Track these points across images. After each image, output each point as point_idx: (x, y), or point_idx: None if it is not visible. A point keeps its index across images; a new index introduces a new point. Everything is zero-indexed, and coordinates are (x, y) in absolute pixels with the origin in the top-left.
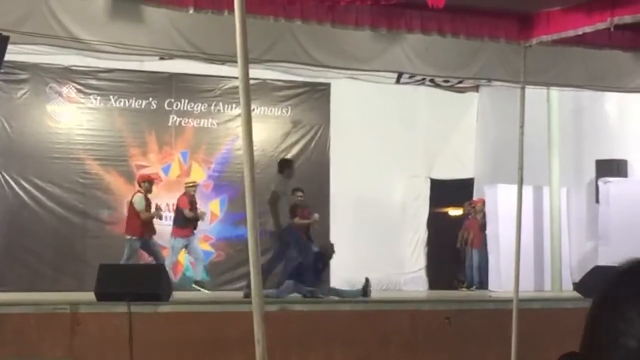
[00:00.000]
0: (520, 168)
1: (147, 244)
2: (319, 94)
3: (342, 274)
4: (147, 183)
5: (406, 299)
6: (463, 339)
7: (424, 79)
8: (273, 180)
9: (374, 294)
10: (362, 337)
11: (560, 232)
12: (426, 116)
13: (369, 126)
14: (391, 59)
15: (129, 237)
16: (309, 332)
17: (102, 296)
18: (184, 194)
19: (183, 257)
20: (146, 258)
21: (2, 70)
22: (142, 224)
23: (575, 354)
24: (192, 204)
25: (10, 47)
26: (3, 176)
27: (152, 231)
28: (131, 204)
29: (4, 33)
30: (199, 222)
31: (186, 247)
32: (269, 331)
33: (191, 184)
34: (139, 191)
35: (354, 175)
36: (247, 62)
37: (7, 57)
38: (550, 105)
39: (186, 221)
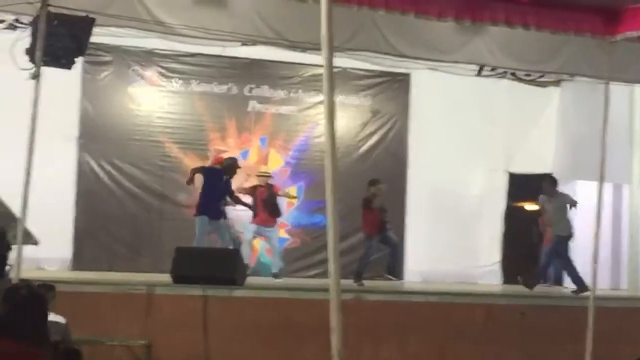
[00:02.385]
0: (602, 165)
1: (216, 226)
2: (399, 84)
3: (418, 266)
4: (219, 165)
5: (481, 293)
6: (537, 335)
7: (505, 72)
8: (350, 169)
9: (449, 287)
10: (435, 329)
11: (638, 231)
12: (506, 109)
13: (448, 118)
14: (473, 51)
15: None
16: (383, 322)
17: (177, 278)
18: (253, 185)
19: (258, 244)
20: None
21: (86, 52)
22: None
23: None
24: (258, 197)
25: (94, 29)
26: (84, 157)
27: (221, 213)
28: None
29: (90, 15)
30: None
31: (262, 235)
32: (343, 320)
33: (263, 174)
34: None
35: (432, 167)
36: (331, 50)
37: (92, 39)
38: (633, 101)
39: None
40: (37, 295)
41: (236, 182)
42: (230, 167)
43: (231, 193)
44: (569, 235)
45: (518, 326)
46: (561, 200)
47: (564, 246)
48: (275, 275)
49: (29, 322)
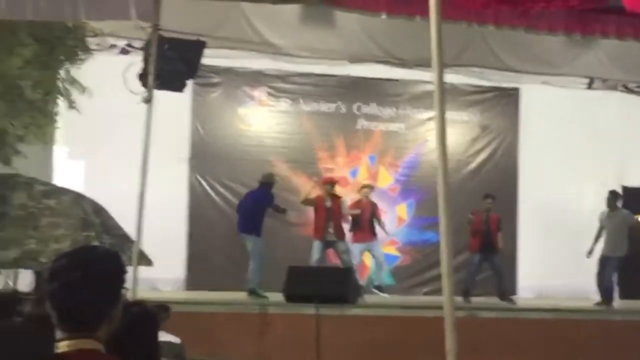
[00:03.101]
0: None
1: (334, 246)
2: (508, 99)
3: (530, 281)
4: (329, 186)
5: (596, 309)
6: None
7: (616, 84)
8: (460, 186)
9: (563, 302)
10: (551, 346)
11: None
12: (618, 122)
13: (558, 132)
14: (584, 63)
15: (315, 239)
16: (496, 340)
17: (290, 297)
18: (357, 201)
19: (369, 260)
20: (333, 260)
21: (197, 75)
22: (320, 226)
23: None
24: (362, 212)
25: (205, 51)
26: (196, 177)
27: (340, 234)
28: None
29: (201, 38)
30: (388, 227)
31: (368, 251)
32: (458, 337)
33: (365, 186)
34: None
35: (543, 182)
36: (442, 67)
37: (202, 60)
38: None
39: (357, 225)
40: (149, 313)
41: (336, 202)
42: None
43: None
44: (621, 257)
45: (637, 344)
46: (620, 218)
47: (612, 268)
48: (378, 288)
49: (140, 341)
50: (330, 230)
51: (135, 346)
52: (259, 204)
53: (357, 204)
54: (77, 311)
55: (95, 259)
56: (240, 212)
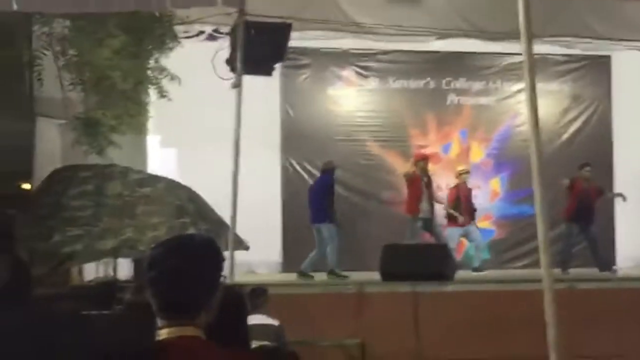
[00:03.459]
0: None
1: (428, 223)
2: (599, 67)
3: (630, 251)
4: (422, 162)
5: None
6: None
7: None
8: (553, 157)
9: None
10: None
11: None
12: None
13: None
14: None
15: (410, 217)
16: (597, 312)
17: (387, 276)
18: (455, 186)
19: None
20: (428, 238)
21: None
22: (415, 203)
23: None
24: (462, 197)
25: (291, 33)
26: (287, 160)
27: (430, 211)
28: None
29: (287, 21)
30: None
31: (464, 236)
32: (557, 311)
33: (463, 171)
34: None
35: (639, 150)
36: (531, 38)
37: (289, 43)
38: None
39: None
40: (236, 296)
41: (436, 179)
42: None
43: None
44: None
45: None
46: None
47: None
48: (476, 270)
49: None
50: (425, 207)
51: (224, 329)
52: (324, 191)
53: (455, 189)
54: (177, 299)
55: (194, 247)
56: (310, 203)
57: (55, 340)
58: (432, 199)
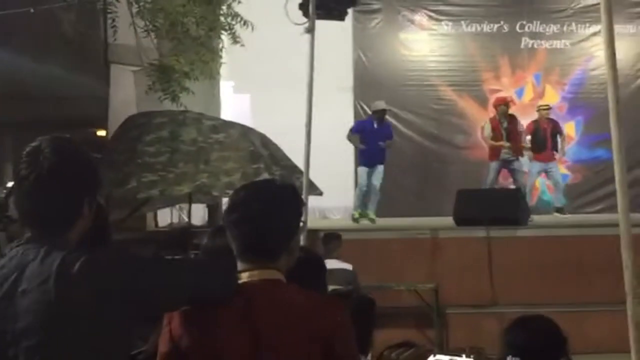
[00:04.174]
0: None
1: (509, 166)
2: None
3: None
4: (504, 106)
5: None
6: None
7: None
8: (630, 100)
9: None
10: None
11: None
12: None
13: None
14: None
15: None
16: None
17: (460, 221)
18: (534, 120)
19: (538, 182)
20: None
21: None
22: (493, 149)
23: None
24: (542, 132)
25: None
26: (360, 105)
27: (518, 153)
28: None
29: None
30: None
31: (545, 172)
32: (635, 256)
33: (544, 107)
34: (491, 118)
35: None
36: None
37: None
38: None
39: (537, 145)
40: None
41: (513, 122)
42: None
43: None
44: None
45: None
46: None
47: None
48: (559, 210)
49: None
50: (505, 149)
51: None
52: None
53: (533, 124)
54: (259, 241)
55: (275, 191)
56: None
57: (140, 282)
58: (516, 142)
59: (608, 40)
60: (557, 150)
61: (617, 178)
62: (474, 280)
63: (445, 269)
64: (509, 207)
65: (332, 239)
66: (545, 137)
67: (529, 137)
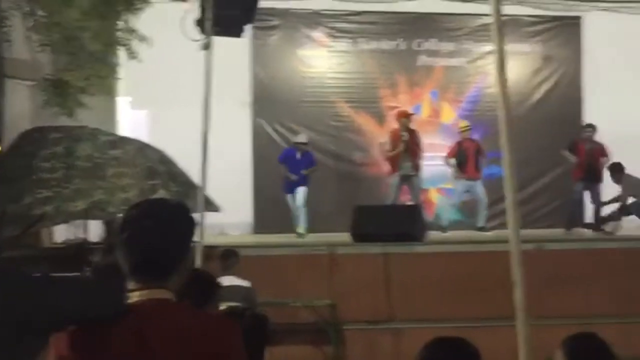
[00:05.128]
0: None
1: (409, 180)
2: (570, 28)
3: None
4: (406, 119)
5: None
6: None
7: None
8: (524, 118)
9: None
10: (620, 276)
11: None
12: None
13: (623, 59)
14: None
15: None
16: (566, 272)
17: (358, 237)
18: (458, 141)
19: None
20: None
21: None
22: (392, 161)
23: None
24: (466, 152)
25: None
26: (259, 122)
27: (417, 169)
28: None
29: None
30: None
31: (468, 191)
32: (525, 271)
33: (465, 127)
34: (391, 130)
35: (608, 111)
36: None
37: (259, 3)
38: None
39: (461, 164)
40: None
41: (413, 135)
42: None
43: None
44: None
45: None
46: None
47: None
48: (481, 229)
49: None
50: (405, 164)
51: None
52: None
53: (458, 145)
54: (150, 261)
55: (167, 210)
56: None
57: (24, 303)
58: (415, 156)
59: (499, 63)
60: (479, 169)
61: (507, 195)
62: (371, 297)
63: (343, 285)
64: (406, 223)
65: (229, 256)
66: (467, 156)
67: (452, 159)
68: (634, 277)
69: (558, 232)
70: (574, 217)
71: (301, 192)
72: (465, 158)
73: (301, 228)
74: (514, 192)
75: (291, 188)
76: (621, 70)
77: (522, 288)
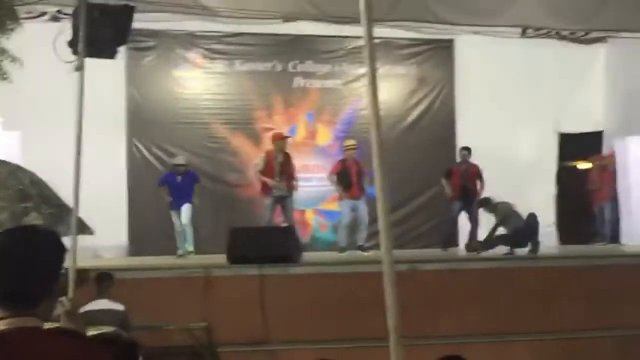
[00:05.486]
0: None
1: (283, 202)
2: (443, 51)
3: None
4: (282, 141)
5: (537, 256)
6: (597, 295)
7: (549, 31)
8: (399, 139)
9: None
10: (493, 295)
11: None
12: (553, 69)
13: (494, 82)
14: (516, 13)
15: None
16: (439, 292)
17: (233, 259)
18: (341, 160)
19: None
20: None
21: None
22: (264, 184)
23: None
24: (350, 172)
25: (136, 15)
26: (133, 142)
27: (288, 189)
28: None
29: (130, 3)
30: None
31: (354, 210)
32: (400, 291)
33: (351, 146)
34: (266, 152)
35: (480, 132)
36: (371, 23)
37: (134, 24)
38: None
39: (341, 185)
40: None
41: (287, 159)
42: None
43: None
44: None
45: (577, 287)
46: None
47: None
48: (362, 248)
49: None
50: (278, 185)
51: None
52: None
53: (342, 164)
54: (16, 288)
55: (34, 237)
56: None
57: None
58: (290, 178)
59: (371, 85)
60: (363, 189)
61: (379, 216)
62: (247, 319)
63: (218, 308)
64: (281, 245)
65: (104, 279)
66: (351, 175)
67: (334, 177)
68: (505, 298)
69: (434, 252)
70: (450, 237)
71: (186, 209)
72: (349, 177)
73: (189, 246)
74: (386, 213)
75: (176, 207)
76: (492, 91)
77: (395, 309)
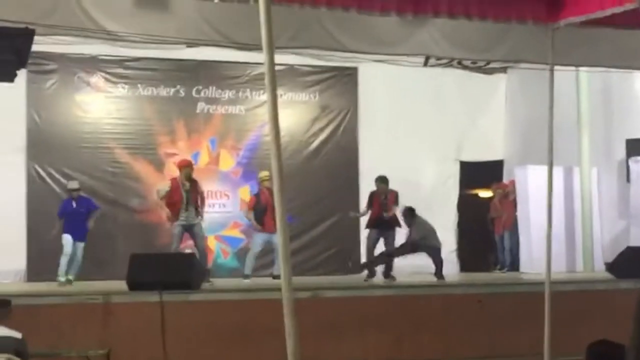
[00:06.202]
0: (550, 149)
1: (191, 229)
2: (347, 78)
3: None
4: (188, 168)
5: (438, 284)
6: (496, 322)
7: (451, 61)
8: (302, 166)
9: (405, 278)
10: (394, 322)
11: (591, 212)
12: (455, 98)
13: (397, 109)
14: (418, 42)
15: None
16: (342, 319)
17: (133, 285)
18: (257, 193)
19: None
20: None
21: (30, 62)
22: (172, 210)
23: (606, 342)
24: (266, 204)
25: (37, 38)
26: (33, 167)
27: (193, 217)
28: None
29: (30, 26)
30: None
31: (269, 242)
32: (301, 318)
33: (266, 177)
34: (172, 179)
35: (383, 159)
36: (272, 51)
37: (35, 47)
38: (580, 85)
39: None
40: None
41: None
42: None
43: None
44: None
45: (476, 314)
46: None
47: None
48: (278, 277)
49: None
50: (186, 213)
51: None
52: None
53: (256, 198)
54: None
55: None
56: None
57: None
58: (197, 205)
59: (272, 112)
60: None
61: (279, 244)
62: (148, 346)
63: (118, 334)
64: (182, 271)
65: (0, 305)
66: (266, 208)
67: (251, 213)
68: (406, 324)
69: (336, 278)
70: (371, 266)
71: (81, 245)
72: (263, 210)
73: (70, 275)
74: (286, 242)
75: (73, 234)
76: (395, 119)
77: (295, 336)
